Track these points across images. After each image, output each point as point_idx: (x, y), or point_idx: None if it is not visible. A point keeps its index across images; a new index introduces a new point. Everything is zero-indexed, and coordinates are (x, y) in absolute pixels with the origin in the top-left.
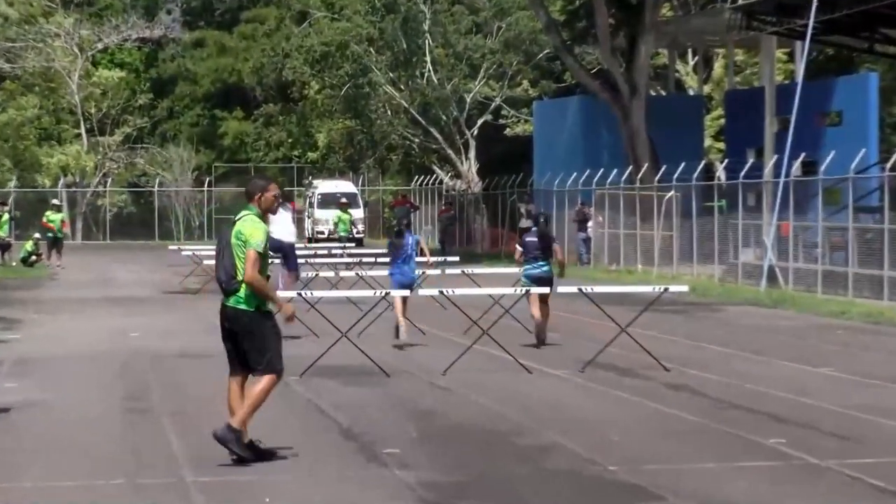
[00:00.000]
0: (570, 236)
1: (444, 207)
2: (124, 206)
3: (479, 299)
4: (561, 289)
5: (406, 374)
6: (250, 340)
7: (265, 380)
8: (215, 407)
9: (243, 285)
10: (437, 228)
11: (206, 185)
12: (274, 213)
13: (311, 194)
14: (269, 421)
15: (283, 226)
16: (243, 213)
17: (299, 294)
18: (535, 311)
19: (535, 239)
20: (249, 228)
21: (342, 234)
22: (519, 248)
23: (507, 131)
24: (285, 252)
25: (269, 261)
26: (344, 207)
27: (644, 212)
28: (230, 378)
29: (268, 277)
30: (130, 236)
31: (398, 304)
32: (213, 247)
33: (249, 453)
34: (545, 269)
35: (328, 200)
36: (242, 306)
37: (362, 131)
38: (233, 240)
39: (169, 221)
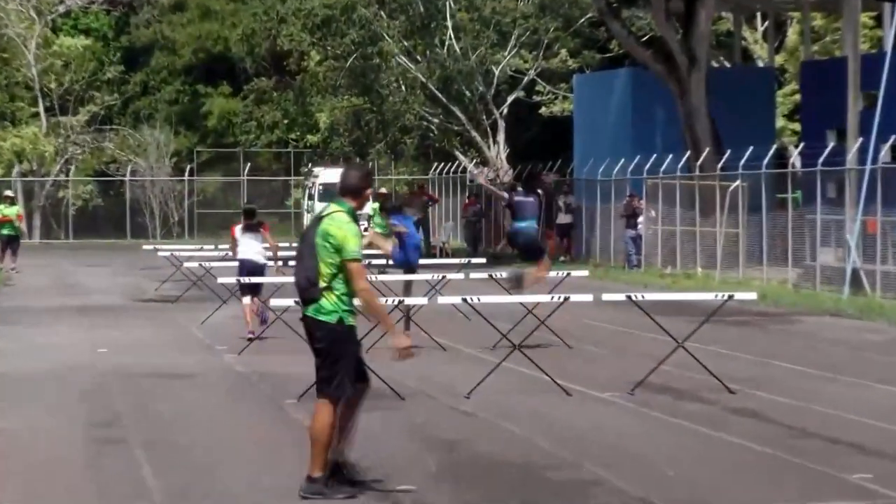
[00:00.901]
0: (617, 234)
1: (469, 200)
2: (90, 198)
3: (510, 308)
4: (606, 296)
5: (423, 397)
6: (323, 356)
7: (323, 411)
8: (197, 436)
9: (325, 294)
10: (461, 224)
11: (186, 174)
12: (361, 208)
13: (310, 185)
14: (263, 452)
15: (251, 246)
16: (332, 208)
17: (296, 303)
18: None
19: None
20: (341, 232)
21: (382, 231)
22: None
23: (543, 110)
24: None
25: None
26: (382, 200)
27: (705, 205)
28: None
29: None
30: (97, 234)
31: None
32: (195, 246)
33: (348, 489)
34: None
35: (331, 192)
36: (322, 317)
37: (371, 110)
38: (318, 240)
39: (143, 217)
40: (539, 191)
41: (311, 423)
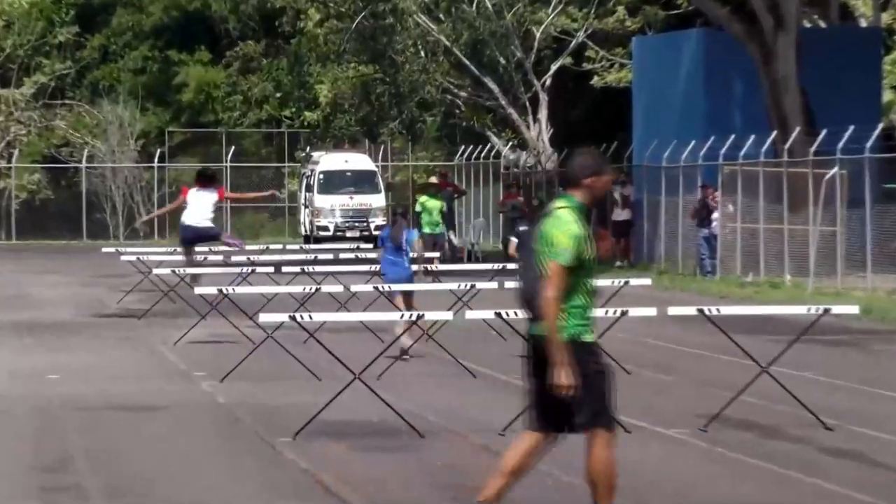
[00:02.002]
0: (686, 234)
1: (508, 192)
2: (37, 189)
3: None
4: (673, 310)
5: (448, 434)
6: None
7: (599, 443)
8: (170, 483)
9: None
10: (496, 222)
11: (156, 160)
12: (597, 200)
13: (308, 173)
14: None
15: (199, 207)
16: (558, 204)
17: (291, 318)
18: None
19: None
20: (557, 230)
21: (431, 231)
22: (514, 240)
23: (595, 81)
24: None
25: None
26: (432, 190)
27: (794, 198)
28: (527, 431)
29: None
30: (46, 234)
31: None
32: (167, 249)
33: None
34: None
35: (334, 182)
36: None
37: (384, 81)
38: (539, 245)
39: (102, 213)
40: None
41: (589, 463)
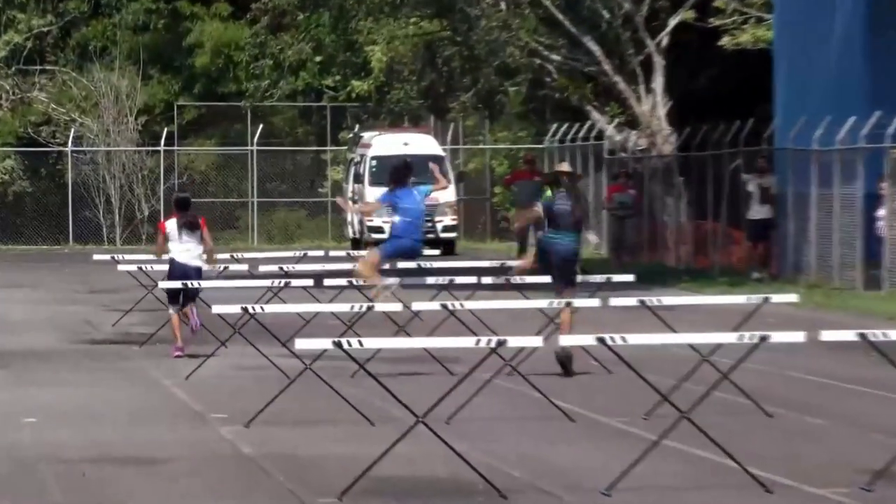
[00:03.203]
0: (843, 237)
1: (615, 183)
2: (10, 180)
3: (673, 354)
4: (827, 334)
5: (536, 493)
6: None
7: None
8: None
9: None
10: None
11: (162, 142)
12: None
13: (356, 159)
14: None
15: (187, 246)
16: None
17: (336, 344)
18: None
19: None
20: None
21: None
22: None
23: (725, 41)
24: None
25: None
26: (557, 179)
27: None
28: None
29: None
30: (21, 237)
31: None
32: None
33: None
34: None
35: (388, 171)
36: None
37: (454, 41)
38: None
39: (94, 209)
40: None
41: None
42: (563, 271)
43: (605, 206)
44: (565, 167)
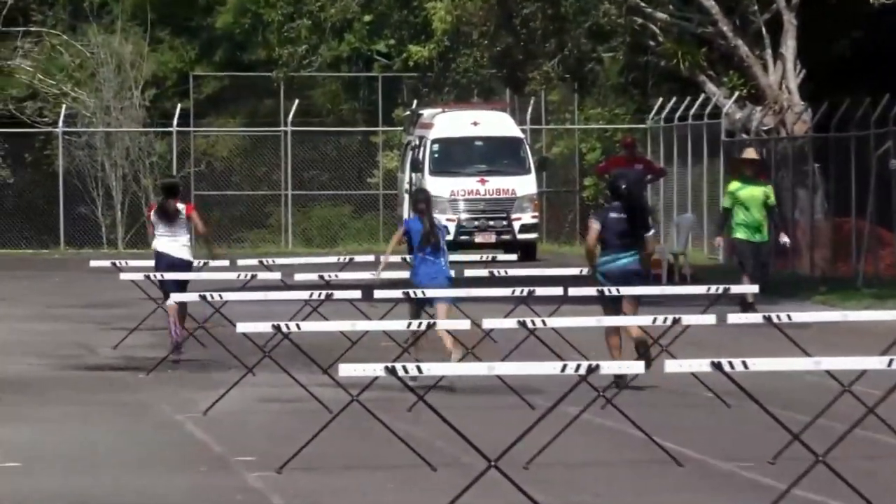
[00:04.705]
0: None
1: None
2: None
3: (806, 382)
4: None
5: None
6: None
7: None
8: None
9: None
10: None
11: (175, 122)
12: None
13: (415, 142)
14: None
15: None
16: None
17: (389, 371)
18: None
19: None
20: None
21: (748, 238)
22: (595, 227)
23: None
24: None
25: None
26: (749, 172)
27: None
28: None
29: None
30: (2, 238)
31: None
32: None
33: None
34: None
35: (456, 156)
36: None
37: None
38: None
39: (90, 205)
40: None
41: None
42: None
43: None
44: (750, 153)
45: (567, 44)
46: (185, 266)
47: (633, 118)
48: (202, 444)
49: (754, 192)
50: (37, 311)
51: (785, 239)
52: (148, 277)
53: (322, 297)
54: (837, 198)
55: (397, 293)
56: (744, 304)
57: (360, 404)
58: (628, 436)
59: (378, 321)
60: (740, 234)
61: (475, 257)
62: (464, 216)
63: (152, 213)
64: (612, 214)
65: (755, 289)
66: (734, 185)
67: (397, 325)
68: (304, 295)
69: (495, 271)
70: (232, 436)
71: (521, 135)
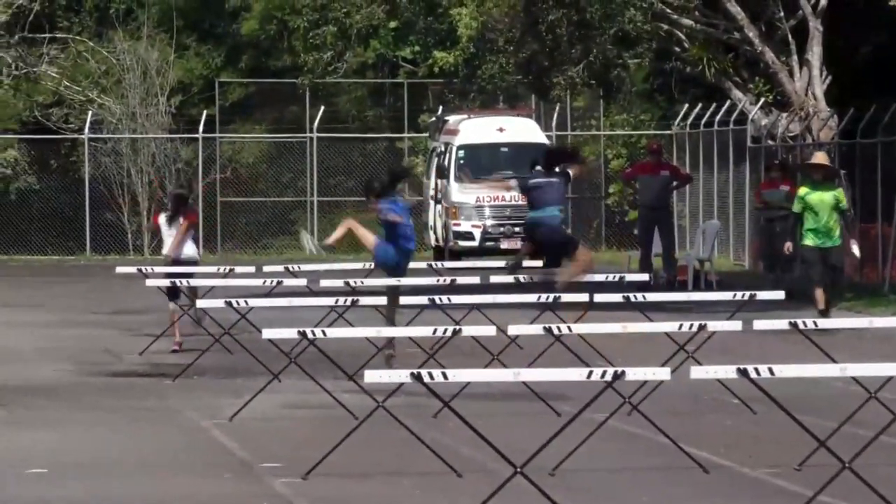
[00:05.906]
0: None
1: (768, 178)
2: (13, 174)
3: (833, 389)
4: None
5: None
6: None
7: None
8: None
9: None
10: (736, 226)
11: (201, 129)
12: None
13: (440, 148)
14: None
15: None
16: None
17: (415, 377)
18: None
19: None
20: None
21: (819, 244)
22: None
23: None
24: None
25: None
26: (818, 176)
27: None
28: None
29: None
30: (28, 244)
31: None
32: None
33: None
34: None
35: (482, 162)
36: None
37: (561, 2)
38: None
39: (115, 211)
40: (569, 171)
41: None
42: None
43: (759, 207)
44: (819, 157)
45: (592, 50)
46: (190, 263)
47: (659, 124)
48: (228, 450)
49: (824, 197)
50: (63, 317)
51: (855, 249)
52: (180, 283)
53: (348, 303)
54: (864, 203)
55: (422, 299)
56: (822, 313)
57: (385, 410)
58: (654, 442)
59: (403, 327)
60: (808, 241)
61: (502, 263)
62: (489, 222)
63: (161, 218)
64: None
65: (781, 295)
66: (803, 190)
67: (423, 331)
68: (330, 301)
69: (521, 277)
70: (258, 442)
71: (546, 140)
